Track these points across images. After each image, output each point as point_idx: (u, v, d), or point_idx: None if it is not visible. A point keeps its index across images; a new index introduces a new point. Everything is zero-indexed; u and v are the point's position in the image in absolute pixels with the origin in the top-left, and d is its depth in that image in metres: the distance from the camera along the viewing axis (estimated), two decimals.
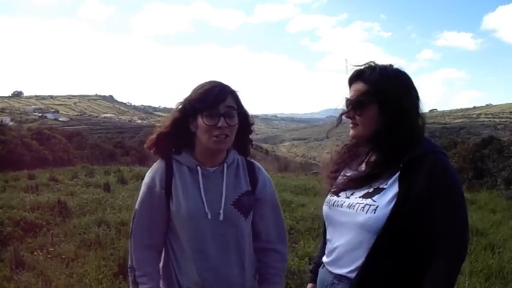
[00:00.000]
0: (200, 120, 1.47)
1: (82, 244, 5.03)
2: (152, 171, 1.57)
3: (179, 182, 1.52)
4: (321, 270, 1.51)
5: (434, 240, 1.25)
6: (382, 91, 1.35)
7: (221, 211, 1.50)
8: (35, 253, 4.67)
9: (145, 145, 1.57)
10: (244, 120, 1.56)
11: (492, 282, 4.06)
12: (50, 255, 4.59)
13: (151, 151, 1.56)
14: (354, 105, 1.39)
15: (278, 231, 1.66)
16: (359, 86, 1.39)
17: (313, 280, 1.57)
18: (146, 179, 1.57)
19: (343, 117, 1.48)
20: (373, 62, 1.42)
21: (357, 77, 1.41)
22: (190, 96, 1.52)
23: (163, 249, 1.60)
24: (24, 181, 10.58)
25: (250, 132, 1.62)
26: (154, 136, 1.55)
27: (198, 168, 1.53)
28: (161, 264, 1.60)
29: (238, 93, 1.54)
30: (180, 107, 1.53)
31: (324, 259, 1.48)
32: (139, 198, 1.57)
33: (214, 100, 1.45)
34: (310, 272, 1.66)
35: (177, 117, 1.52)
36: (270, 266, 1.63)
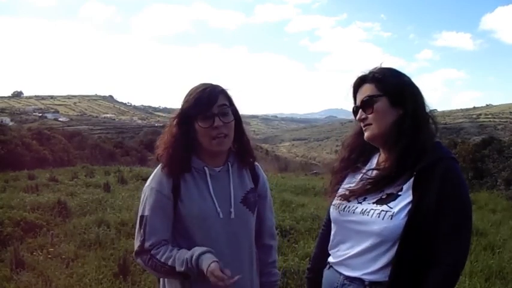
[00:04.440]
0: (197, 125, 1.48)
1: (82, 244, 5.03)
2: (157, 175, 1.55)
3: (188, 183, 1.52)
4: (327, 272, 1.50)
5: (437, 247, 1.26)
6: (388, 82, 1.40)
7: (232, 209, 1.53)
8: (35, 253, 4.67)
9: (162, 169, 1.54)
10: (237, 118, 1.57)
11: (492, 282, 4.07)
12: (50, 255, 4.60)
13: (167, 173, 1.52)
14: (363, 105, 1.42)
15: (272, 227, 1.75)
16: (365, 88, 1.43)
17: (315, 286, 1.56)
18: (152, 184, 1.53)
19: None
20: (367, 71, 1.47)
21: (361, 81, 1.46)
22: (183, 106, 1.52)
23: None
24: (24, 181, 10.59)
25: (241, 127, 1.60)
26: (165, 160, 1.52)
27: (206, 168, 1.54)
28: None
29: (229, 92, 1.56)
30: (175, 121, 1.52)
31: (331, 260, 1.48)
32: (148, 204, 1.52)
33: (207, 102, 1.47)
34: (308, 279, 1.63)
35: (176, 133, 1.52)
36: (268, 260, 1.71)
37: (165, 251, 1.48)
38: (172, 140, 1.53)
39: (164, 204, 1.51)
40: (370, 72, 1.44)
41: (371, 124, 1.41)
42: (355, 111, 1.48)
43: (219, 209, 1.51)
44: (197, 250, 1.43)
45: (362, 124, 1.44)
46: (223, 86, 1.56)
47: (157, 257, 1.47)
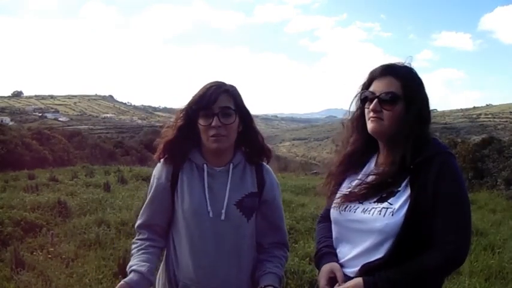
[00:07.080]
0: (198, 122, 1.51)
1: (82, 244, 5.03)
2: (160, 164, 1.60)
3: (186, 177, 1.54)
4: None
5: (435, 237, 1.27)
6: (412, 88, 1.37)
7: (223, 211, 1.51)
8: (35, 253, 4.67)
9: (154, 156, 1.60)
10: (245, 118, 1.57)
11: (492, 282, 4.07)
12: (50, 255, 4.60)
13: (162, 160, 1.58)
14: (386, 99, 1.36)
15: (283, 235, 1.66)
16: (390, 80, 1.38)
17: (330, 259, 1.42)
18: (154, 171, 1.61)
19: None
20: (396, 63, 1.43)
21: (386, 71, 1.40)
22: (189, 101, 1.55)
23: (166, 245, 1.62)
24: (24, 181, 10.58)
25: (253, 129, 1.60)
26: (161, 146, 1.57)
27: (205, 166, 1.55)
28: (163, 260, 1.63)
29: (237, 92, 1.55)
30: (183, 113, 1.55)
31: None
32: (149, 190, 1.61)
33: (207, 101, 1.48)
34: (321, 254, 1.47)
35: (182, 124, 1.54)
36: (273, 255, 1.60)
37: (137, 246, 1.57)
38: (175, 130, 1.55)
39: (159, 192, 1.57)
40: (400, 68, 1.40)
41: (382, 120, 1.37)
42: (366, 99, 1.40)
43: (209, 208, 1.51)
44: (137, 265, 1.47)
45: (372, 114, 1.38)
46: (231, 85, 1.55)
47: (133, 246, 1.59)
